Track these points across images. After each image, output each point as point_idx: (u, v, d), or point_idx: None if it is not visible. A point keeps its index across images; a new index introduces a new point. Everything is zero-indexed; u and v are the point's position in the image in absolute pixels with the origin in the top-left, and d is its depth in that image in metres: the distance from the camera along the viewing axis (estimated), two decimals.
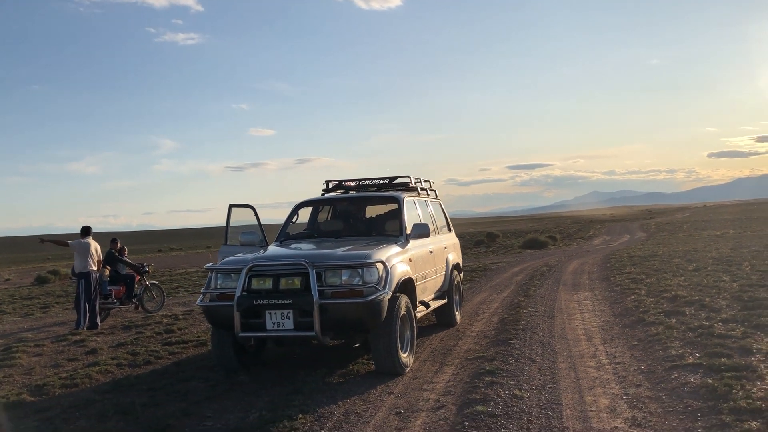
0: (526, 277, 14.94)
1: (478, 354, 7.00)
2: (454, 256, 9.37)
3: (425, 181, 9.39)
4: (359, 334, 6.41)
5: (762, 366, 5.44)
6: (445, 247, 8.99)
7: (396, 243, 7.06)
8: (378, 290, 6.02)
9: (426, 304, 7.65)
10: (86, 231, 10.83)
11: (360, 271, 6.06)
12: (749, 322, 7.22)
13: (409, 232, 7.43)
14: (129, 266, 12.46)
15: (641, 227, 45.98)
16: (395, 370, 6.28)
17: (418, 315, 7.39)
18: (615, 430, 4.39)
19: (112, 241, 12.64)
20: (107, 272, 11.87)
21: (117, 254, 12.36)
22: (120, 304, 12.02)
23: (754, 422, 4.19)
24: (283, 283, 6.12)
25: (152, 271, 16.98)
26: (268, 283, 6.16)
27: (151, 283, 12.84)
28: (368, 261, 6.11)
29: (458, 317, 9.12)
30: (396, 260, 6.61)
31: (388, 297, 6.13)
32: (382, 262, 6.23)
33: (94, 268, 10.68)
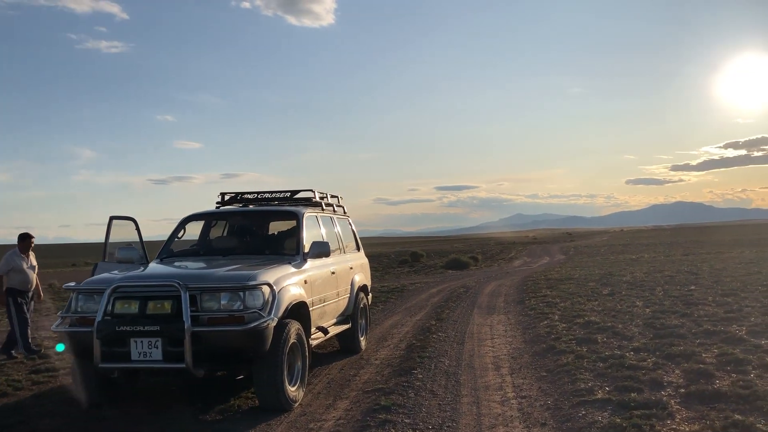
0: (442, 299, 14.51)
1: (377, 386, 6.39)
2: (362, 278, 8.76)
3: (332, 196, 8.78)
4: (242, 365, 5.67)
5: (672, 402, 5.06)
6: (351, 268, 8.37)
7: (291, 263, 6.40)
8: (262, 316, 5.33)
9: (324, 330, 6.99)
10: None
11: (241, 294, 5.35)
12: (660, 351, 6.92)
13: (307, 250, 6.78)
14: None
15: (561, 250, 46.85)
16: (281, 405, 5.59)
17: (315, 342, 6.73)
18: None
19: None
20: None
21: None
22: None
23: None
24: (152, 307, 5.33)
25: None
26: (134, 307, 5.35)
27: None
28: (251, 283, 5.40)
29: (363, 343, 8.50)
30: (287, 282, 5.94)
31: (274, 324, 5.45)
32: (269, 285, 5.54)
33: None
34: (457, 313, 11.88)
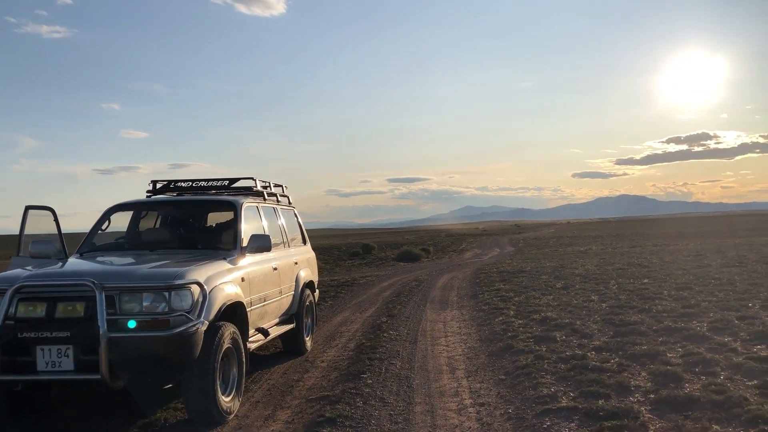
0: (393, 294, 14.01)
1: (322, 393, 5.82)
2: (308, 273, 8.16)
3: (276, 185, 8.15)
4: (169, 373, 5.01)
5: (643, 410, 4.65)
6: (296, 263, 7.76)
7: (226, 258, 5.75)
8: (190, 320, 4.69)
9: (264, 332, 6.37)
10: None
11: (167, 294, 4.69)
12: (623, 351, 6.56)
13: (245, 244, 6.14)
14: None
15: (510, 242, 47.05)
16: (213, 418, 4.98)
17: (254, 346, 6.11)
18: None
19: None
20: None
21: None
22: None
23: None
24: (61, 310, 4.63)
25: None
26: (40, 310, 4.64)
27: None
28: (178, 282, 4.75)
29: (309, 344, 7.91)
30: (221, 280, 5.30)
31: (205, 328, 4.82)
32: (198, 284, 4.90)
33: None
34: (409, 308, 11.40)
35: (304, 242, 8.62)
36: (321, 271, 23.30)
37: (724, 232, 44.49)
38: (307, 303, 7.95)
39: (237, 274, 5.71)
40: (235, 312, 5.52)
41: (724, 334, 7.13)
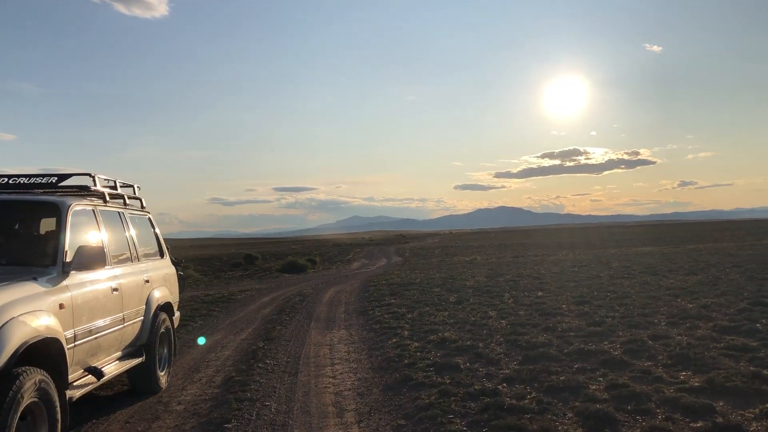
0: (275, 310, 12.63)
1: None
2: (164, 293, 6.67)
3: (125, 185, 6.62)
4: None
5: None
6: (148, 281, 6.27)
7: (38, 278, 4.25)
8: None
9: (98, 372, 4.87)
10: None
11: None
12: (538, 382, 5.64)
13: (69, 259, 4.64)
14: None
15: (397, 251, 46.62)
16: None
17: (80, 393, 4.61)
18: None
19: None
20: None
21: None
22: None
23: None
24: None
25: None
26: None
27: None
28: None
29: (164, 380, 6.44)
30: (23, 310, 3.81)
31: None
32: None
33: None
34: (291, 329, 10.09)
35: (162, 255, 7.13)
36: (197, 285, 21.36)
37: (597, 242, 46.38)
38: (163, 330, 6.48)
39: (53, 299, 4.22)
40: (48, 351, 4.05)
41: (642, 358, 6.42)
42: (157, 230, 7.18)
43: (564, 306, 10.41)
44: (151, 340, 6.14)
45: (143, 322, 6.03)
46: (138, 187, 6.96)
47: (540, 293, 12.68)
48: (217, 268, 33.27)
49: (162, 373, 6.41)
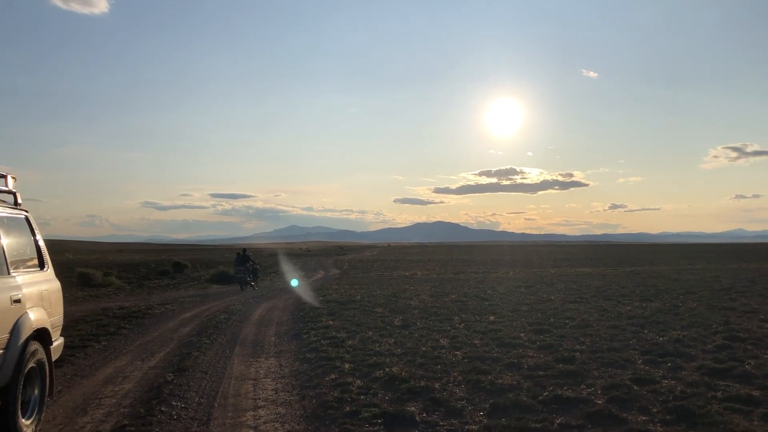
0: (195, 329, 11.09)
1: None
2: (40, 316, 5.16)
3: None
4: None
5: None
6: (18, 300, 4.78)
7: None
8: None
9: None
10: None
11: None
12: None
13: None
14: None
15: (335, 263, 45.18)
16: None
17: None
18: None
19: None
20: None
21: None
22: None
23: None
24: None
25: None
26: None
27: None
28: None
29: (30, 430, 4.92)
30: None
31: None
32: None
33: None
34: (211, 354, 8.62)
35: (42, 266, 5.62)
36: (115, 294, 19.39)
37: (536, 261, 46.20)
38: (33, 364, 4.97)
39: None
40: None
41: (632, 410, 5.32)
42: (38, 234, 5.67)
43: (523, 335, 9.32)
44: (14, 379, 4.63)
45: (3, 356, 4.53)
46: (13, 177, 5.44)
47: (492, 317, 11.60)
48: (143, 276, 31.09)
49: (28, 421, 4.89)
